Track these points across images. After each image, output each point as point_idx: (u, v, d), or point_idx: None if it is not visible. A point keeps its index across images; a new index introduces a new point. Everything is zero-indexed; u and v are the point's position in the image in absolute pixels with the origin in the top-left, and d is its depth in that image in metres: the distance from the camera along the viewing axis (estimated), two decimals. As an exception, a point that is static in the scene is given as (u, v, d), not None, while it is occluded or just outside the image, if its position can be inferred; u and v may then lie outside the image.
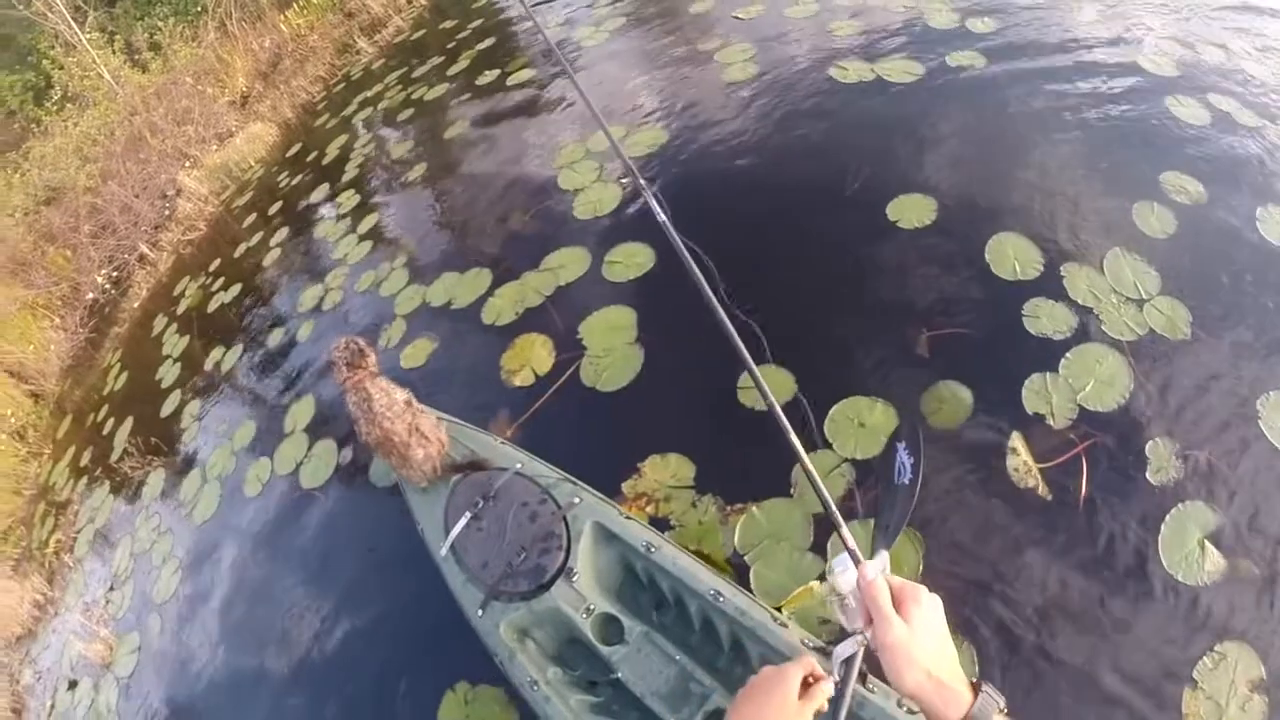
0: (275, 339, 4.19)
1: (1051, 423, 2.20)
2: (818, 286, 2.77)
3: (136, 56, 10.26)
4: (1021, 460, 2.14)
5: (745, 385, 2.48)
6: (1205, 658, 1.76)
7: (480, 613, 1.97)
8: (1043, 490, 2.08)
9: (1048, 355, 2.35)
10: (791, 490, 2.21)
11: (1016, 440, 2.18)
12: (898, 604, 0.86)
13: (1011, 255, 2.64)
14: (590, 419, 2.74)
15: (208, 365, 4.42)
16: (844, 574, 0.92)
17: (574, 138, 4.17)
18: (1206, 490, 2.01)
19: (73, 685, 3.35)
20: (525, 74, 5.20)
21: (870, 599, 0.87)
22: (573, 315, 3.05)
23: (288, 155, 6.48)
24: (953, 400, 2.30)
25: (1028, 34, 3.77)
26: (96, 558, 3.90)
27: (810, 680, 0.91)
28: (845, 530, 1.01)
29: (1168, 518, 1.97)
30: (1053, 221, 2.74)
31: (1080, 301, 2.47)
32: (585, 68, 4.90)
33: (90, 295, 6.86)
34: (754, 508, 2.22)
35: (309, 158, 6.08)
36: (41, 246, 7.65)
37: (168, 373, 4.68)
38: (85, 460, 4.66)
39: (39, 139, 9.86)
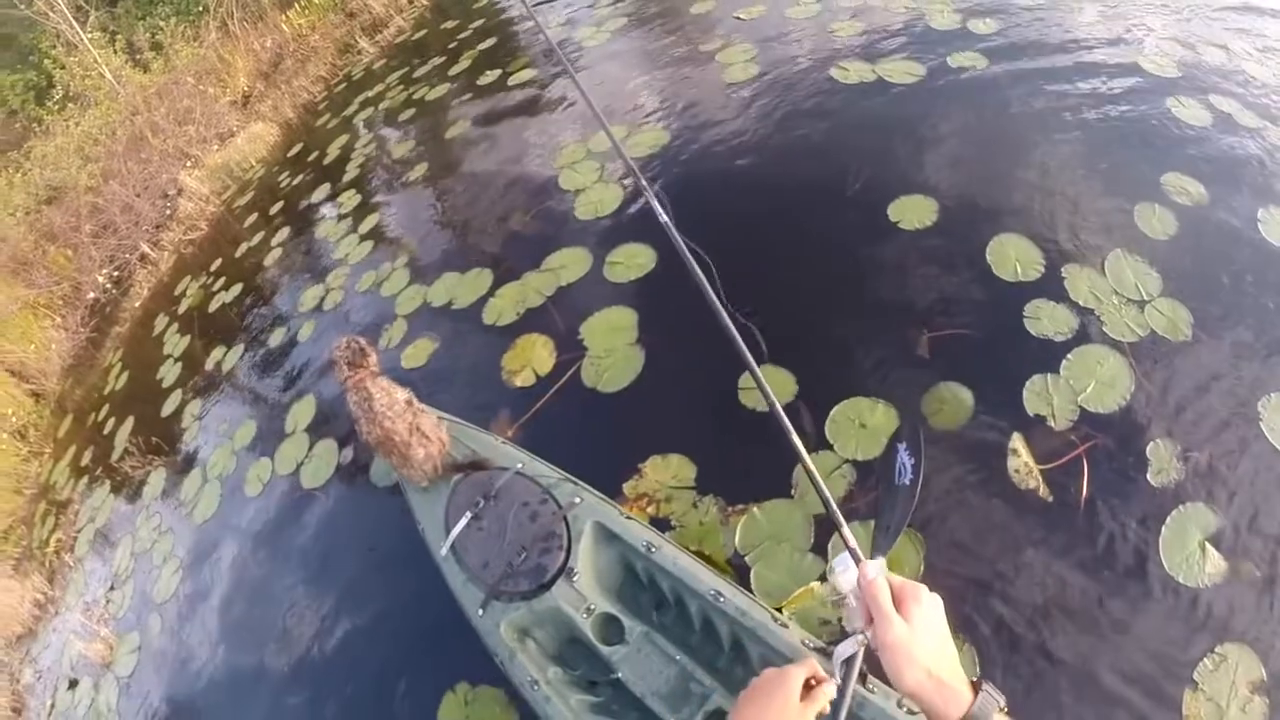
0: (276, 339, 4.19)
1: (1052, 424, 2.20)
2: (819, 287, 2.77)
3: (138, 56, 10.26)
4: (1022, 461, 2.14)
5: (746, 386, 2.49)
6: (1206, 659, 1.76)
7: (481, 612, 1.96)
8: (1044, 491, 2.08)
9: (1049, 356, 2.36)
10: (792, 491, 2.21)
11: (1017, 441, 2.18)
12: (898, 603, 0.86)
13: (1013, 256, 2.65)
14: (591, 419, 2.74)
15: (209, 365, 4.42)
16: (844, 573, 0.92)
17: (575, 138, 4.17)
18: (1207, 491, 2.02)
19: (73, 684, 3.35)
20: (526, 74, 5.20)
21: (871, 598, 0.87)
22: (574, 316, 3.06)
23: (289, 155, 6.48)
24: (954, 401, 2.30)
25: (1029, 35, 3.77)
26: (97, 557, 3.90)
27: (812, 682, 0.91)
28: (846, 530, 1.01)
29: (1168, 519, 1.97)
30: (1054, 222, 2.74)
31: (1081, 302, 2.47)
32: (586, 68, 4.90)
33: (91, 295, 6.86)
34: (755, 508, 2.22)
35: (310, 157, 6.08)
36: (43, 246, 7.64)
37: (169, 372, 4.68)
38: (86, 460, 4.67)
39: (40, 138, 9.86)
